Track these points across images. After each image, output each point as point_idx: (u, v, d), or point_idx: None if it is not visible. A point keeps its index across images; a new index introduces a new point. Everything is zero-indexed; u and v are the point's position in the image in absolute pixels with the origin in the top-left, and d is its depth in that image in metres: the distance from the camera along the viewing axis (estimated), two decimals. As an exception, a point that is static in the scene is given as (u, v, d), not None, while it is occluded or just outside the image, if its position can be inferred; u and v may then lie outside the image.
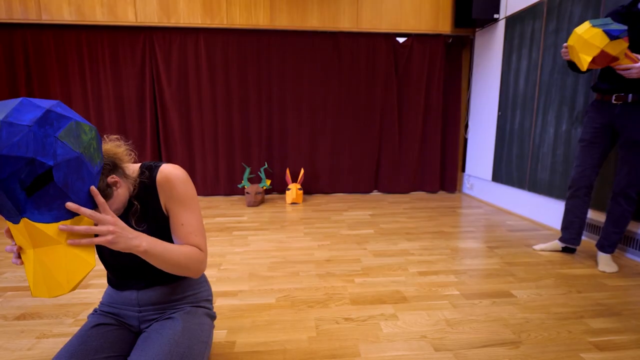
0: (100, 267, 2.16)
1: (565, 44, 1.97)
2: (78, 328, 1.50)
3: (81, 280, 0.72)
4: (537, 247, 2.46)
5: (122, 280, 1.08)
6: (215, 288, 1.88)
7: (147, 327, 1.08)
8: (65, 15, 3.68)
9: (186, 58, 3.99)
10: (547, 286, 1.92)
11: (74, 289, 0.71)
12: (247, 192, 3.74)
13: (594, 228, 2.59)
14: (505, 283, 1.96)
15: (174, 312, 1.10)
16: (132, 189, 0.99)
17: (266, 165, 4.12)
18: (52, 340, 1.42)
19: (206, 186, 4.25)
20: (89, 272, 0.70)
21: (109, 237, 0.75)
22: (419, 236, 2.77)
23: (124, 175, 0.96)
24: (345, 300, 1.76)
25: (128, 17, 3.74)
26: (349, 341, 1.42)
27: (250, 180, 4.31)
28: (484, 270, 2.13)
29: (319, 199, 4.18)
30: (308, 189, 4.39)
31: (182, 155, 4.16)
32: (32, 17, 3.65)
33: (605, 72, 2.07)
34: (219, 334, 1.47)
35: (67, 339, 1.43)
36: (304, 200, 4.10)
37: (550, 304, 1.72)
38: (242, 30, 3.97)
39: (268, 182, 3.95)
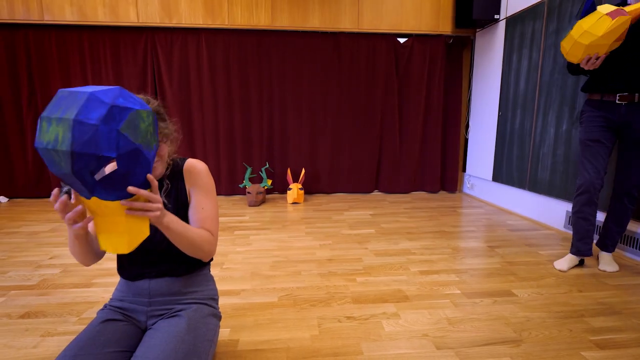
0: (103, 266, 2.17)
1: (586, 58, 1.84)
2: (83, 326, 1.52)
3: (138, 244, 0.88)
4: (558, 266, 2.16)
5: (137, 266, 1.12)
6: (218, 287, 1.89)
7: (153, 324, 1.10)
8: (67, 15, 3.69)
9: (187, 58, 4.00)
10: (548, 285, 1.93)
11: (132, 250, 0.87)
12: (249, 192, 3.76)
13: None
14: (506, 282, 1.97)
15: (180, 310, 1.12)
16: (164, 169, 1.12)
17: (267, 165, 4.14)
18: (57, 338, 1.43)
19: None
20: (144, 239, 0.88)
21: (157, 213, 0.87)
22: (420, 236, 2.78)
23: (161, 155, 1.09)
24: (347, 299, 1.77)
25: (130, 17, 3.75)
26: (352, 339, 1.44)
27: (252, 180, 4.32)
28: (485, 269, 2.14)
29: (319, 198, 4.19)
30: (309, 189, 4.40)
31: (184, 155, 4.17)
32: (34, 18, 3.67)
33: (602, 71, 1.99)
34: (223, 332, 1.48)
35: (71, 337, 1.44)
36: (305, 200, 4.11)
37: (551, 303, 1.73)
38: (243, 30, 3.98)
39: (269, 182, 3.96)
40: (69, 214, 0.82)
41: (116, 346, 0.99)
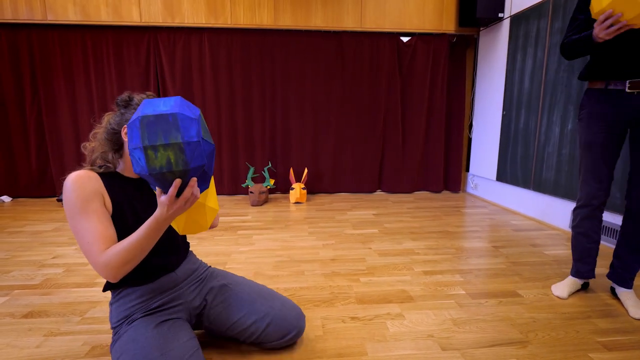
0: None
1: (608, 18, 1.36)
2: (86, 326, 1.51)
3: (211, 222, 1.12)
4: (556, 292, 1.81)
5: (161, 259, 1.18)
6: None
7: (200, 305, 1.28)
8: (70, 15, 3.69)
9: (190, 58, 4.00)
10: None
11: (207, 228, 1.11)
12: (251, 192, 3.75)
13: (614, 232, 2.58)
14: (511, 283, 1.95)
15: (211, 277, 1.36)
16: None
17: (270, 165, 4.13)
18: (60, 338, 1.43)
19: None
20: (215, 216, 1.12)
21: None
22: (423, 236, 2.76)
23: None
24: (351, 299, 1.76)
25: (133, 17, 3.75)
26: (356, 340, 1.42)
27: (254, 180, 4.32)
28: (490, 269, 2.12)
29: (322, 198, 4.18)
30: (311, 189, 4.39)
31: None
32: (37, 17, 3.67)
33: (607, 51, 1.56)
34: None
35: (74, 337, 1.43)
36: (308, 199, 4.10)
37: (557, 304, 1.71)
38: (246, 30, 3.97)
39: (272, 181, 3.95)
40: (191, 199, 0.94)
41: (184, 337, 1.10)
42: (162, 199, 0.89)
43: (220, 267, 2.14)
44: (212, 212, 1.09)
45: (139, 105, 1.10)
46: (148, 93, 1.18)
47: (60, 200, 3.65)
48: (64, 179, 1.02)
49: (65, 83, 3.92)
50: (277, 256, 2.33)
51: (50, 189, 4.12)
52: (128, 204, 1.10)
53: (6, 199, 3.98)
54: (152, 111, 0.83)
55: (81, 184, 1.00)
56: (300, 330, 1.32)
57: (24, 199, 4.07)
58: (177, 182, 0.86)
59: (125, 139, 1.08)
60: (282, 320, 1.28)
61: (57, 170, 4.05)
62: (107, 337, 1.43)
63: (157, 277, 1.17)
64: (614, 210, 2.43)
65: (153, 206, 1.16)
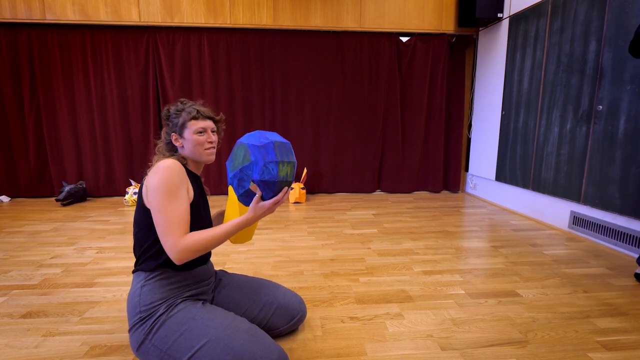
0: (104, 266, 2.16)
1: None
2: (84, 326, 1.50)
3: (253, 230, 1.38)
4: None
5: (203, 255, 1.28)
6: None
7: (213, 296, 1.35)
8: (69, 15, 3.69)
9: (189, 57, 3.99)
10: (553, 286, 1.91)
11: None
12: (250, 192, 3.74)
13: (613, 232, 2.58)
14: (510, 282, 1.95)
15: (223, 275, 1.45)
16: None
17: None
18: (59, 338, 1.43)
19: (209, 186, 4.26)
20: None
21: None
22: (423, 236, 2.76)
23: None
24: (350, 299, 1.76)
25: (132, 16, 3.75)
26: (355, 340, 1.42)
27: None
28: (489, 269, 2.12)
29: (322, 198, 4.18)
30: (311, 189, 4.39)
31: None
32: (36, 17, 3.67)
33: None
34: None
35: (73, 337, 1.43)
36: (307, 199, 4.10)
37: (557, 304, 1.71)
38: (245, 29, 3.97)
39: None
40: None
41: (232, 314, 1.19)
42: (264, 203, 1.12)
43: (220, 267, 2.13)
44: (254, 227, 1.38)
45: (177, 114, 1.26)
46: (181, 100, 1.32)
47: (59, 200, 3.65)
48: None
49: (64, 83, 3.91)
50: (276, 256, 2.33)
51: (49, 189, 4.11)
52: (200, 197, 1.25)
53: (5, 198, 3.98)
54: (274, 138, 1.17)
55: (177, 170, 1.11)
56: (303, 314, 1.44)
57: (23, 198, 4.06)
58: (286, 189, 1.17)
59: (176, 144, 1.24)
60: (286, 306, 1.39)
61: (56, 170, 4.04)
62: (106, 337, 1.43)
63: (195, 267, 1.25)
64: (613, 210, 2.43)
65: (207, 202, 1.33)
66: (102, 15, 3.72)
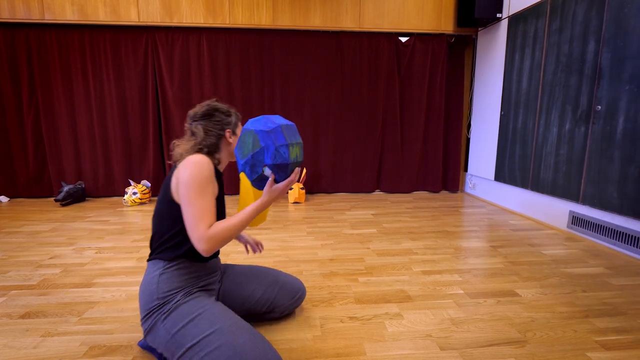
0: (103, 266, 2.16)
1: None
2: (83, 327, 1.50)
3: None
4: None
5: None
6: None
7: (219, 288, 1.42)
8: (68, 14, 3.68)
9: (189, 57, 3.99)
10: (552, 285, 1.91)
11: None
12: (250, 192, 3.74)
13: (612, 232, 2.59)
14: (509, 282, 1.95)
15: (222, 271, 1.48)
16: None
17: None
18: (57, 338, 1.42)
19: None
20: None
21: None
22: (422, 235, 2.76)
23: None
24: (349, 299, 1.76)
25: (131, 16, 3.75)
26: (354, 340, 1.42)
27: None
28: (488, 269, 2.13)
29: (321, 198, 4.18)
30: (310, 189, 4.39)
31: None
32: (35, 17, 3.66)
33: None
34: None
35: (72, 337, 1.43)
36: (307, 199, 4.10)
37: (555, 303, 1.72)
38: (244, 29, 3.97)
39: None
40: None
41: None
42: (278, 185, 1.20)
43: (219, 267, 2.13)
44: (268, 208, 1.44)
45: (228, 113, 1.36)
46: (212, 99, 1.39)
47: (58, 201, 3.64)
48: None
49: (63, 83, 3.91)
50: (275, 256, 2.33)
51: (48, 189, 4.11)
52: (222, 192, 1.32)
53: (4, 199, 3.97)
54: (280, 121, 1.20)
55: (207, 166, 1.15)
56: (303, 292, 1.57)
57: (22, 199, 4.05)
58: (298, 170, 1.23)
59: (230, 140, 1.32)
60: (288, 285, 1.52)
61: (54, 170, 4.04)
62: (105, 338, 1.43)
63: (209, 259, 1.32)
64: (612, 210, 2.43)
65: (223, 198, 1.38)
66: (101, 15, 3.71)
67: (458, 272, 2.08)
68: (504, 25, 3.63)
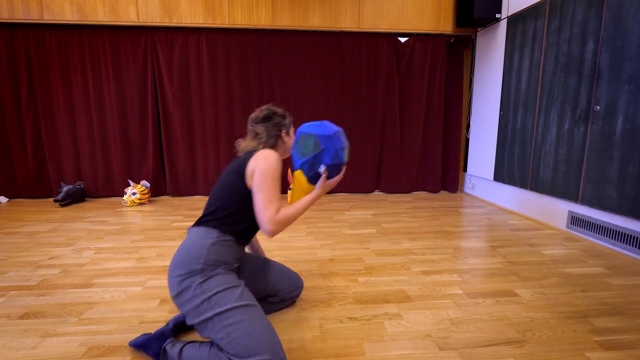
0: (103, 266, 2.16)
1: None
2: (82, 327, 1.50)
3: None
4: None
5: (255, 232, 1.47)
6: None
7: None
8: (67, 15, 3.68)
9: (188, 58, 3.99)
10: (551, 285, 1.91)
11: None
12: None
13: (611, 232, 2.59)
14: (508, 282, 1.95)
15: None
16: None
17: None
18: (56, 339, 1.42)
19: (207, 185, 4.25)
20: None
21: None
22: (421, 236, 2.76)
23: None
24: (349, 299, 1.76)
25: (130, 17, 3.74)
26: (354, 340, 1.42)
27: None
28: (487, 269, 2.13)
29: (320, 198, 4.17)
30: (310, 189, 4.38)
31: (184, 154, 4.16)
32: (34, 17, 3.66)
33: None
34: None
35: (71, 338, 1.42)
36: (306, 200, 4.09)
37: (554, 303, 1.72)
38: (243, 30, 3.97)
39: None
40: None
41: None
42: (330, 181, 1.44)
43: (218, 268, 2.13)
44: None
45: (284, 116, 1.53)
46: (269, 104, 1.57)
47: (57, 201, 3.64)
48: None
49: (62, 83, 3.90)
50: (275, 256, 2.33)
51: (47, 190, 4.10)
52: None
53: (3, 199, 3.96)
54: (336, 127, 1.42)
55: (279, 161, 1.36)
56: (302, 285, 1.70)
57: (21, 199, 4.05)
58: (344, 168, 1.47)
59: (285, 140, 1.53)
60: (291, 274, 1.67)
61: (54, 171, 4.03)
62: (104, 338, 1.43)
63: (245, 244, 1.45)
64: (611, 210, 2.44)
65: None
66: (100, 16, 3.71)
67: (457, 272, 2.09)
68: (503, 25, 3.64)
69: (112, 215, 3.39)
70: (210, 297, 1.19)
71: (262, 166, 1.30)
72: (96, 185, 4.12)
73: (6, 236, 2.74)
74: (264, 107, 1.54)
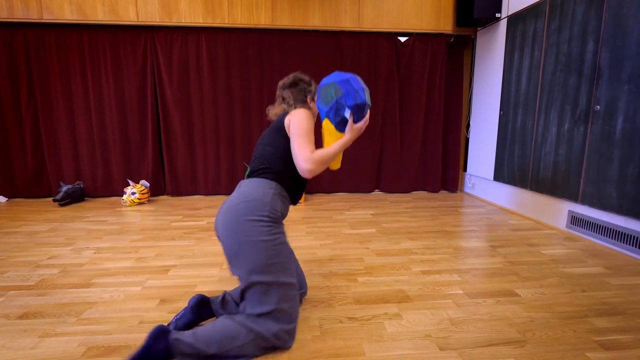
0: (102, 266, 2.15)
1: None
2: (81, 327, 1.50)
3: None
4: None
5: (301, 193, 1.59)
6: (218, 287, 1.88)
7: None
8: (67, 14, 3.67)
9: (187, 57, 3.98)
10: (551, 285, 1.91)
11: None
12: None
13: (610, 231, 2.59)
14: (508, 282, 1.95)
15: None
16: None
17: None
18: (55, 339, 1.42)
19: (207, 185, 4.25)
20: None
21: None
22: (421, 235, 2.76)
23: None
24: (348, 299, 1.76)
25: (129, 16, 3.74)
26: (353, 340, 1.42)
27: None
28: (487, 269, 2.13)
29: (320, 198, 4.17)
30: (309, 189, 4.38)
31: (184, 154, 4.16)
32: (33, 17, 3.65)
33: None
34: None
35: (70, 338, 1.42)
36: (305, 199, 4.10)
37: (555, 303, 1.72)
38: (243, 29, 3.96)
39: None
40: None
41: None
42: (357, 124, 1.46)
43: (218, 268, 2.13)
44: (341, 156, 1.67)
45: (309, 83, 1.69)
46: (296, 73, 1.73)
47: (56, 201, 3.63)
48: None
49: (62, 83, 3.90)
50: (274, 256, 2.32)
51: (47, 189, 4.10)
52: None
53: (2, 199, 3.96)
54: (351, 74, 1.46)
55: (312, 117, 1.50)
56: (306, 289, 1.71)
57: (20, 199, 4.04)
58: (369, 111, 1.52)
59: (310, 105, 1.64)
60: (301, 276, 1.69)
61: (53, 170, 4.03)
62: (104, 338, 1.42)
63: (294, 204, 1.57)
64: (611, 210, 2.43)
65: None
66: (100, 15, 3.70)
67: (457, 272, 2.08)
68: (503, 25, 3.63)
69: (111, 215, 3.38)
70: (271, 247, 1.32)
71: (297, 117, 1.43)
72: (95, 185, 4.12)
73: (5, 236, 2.73)
74: (292, 74, 1.70)
